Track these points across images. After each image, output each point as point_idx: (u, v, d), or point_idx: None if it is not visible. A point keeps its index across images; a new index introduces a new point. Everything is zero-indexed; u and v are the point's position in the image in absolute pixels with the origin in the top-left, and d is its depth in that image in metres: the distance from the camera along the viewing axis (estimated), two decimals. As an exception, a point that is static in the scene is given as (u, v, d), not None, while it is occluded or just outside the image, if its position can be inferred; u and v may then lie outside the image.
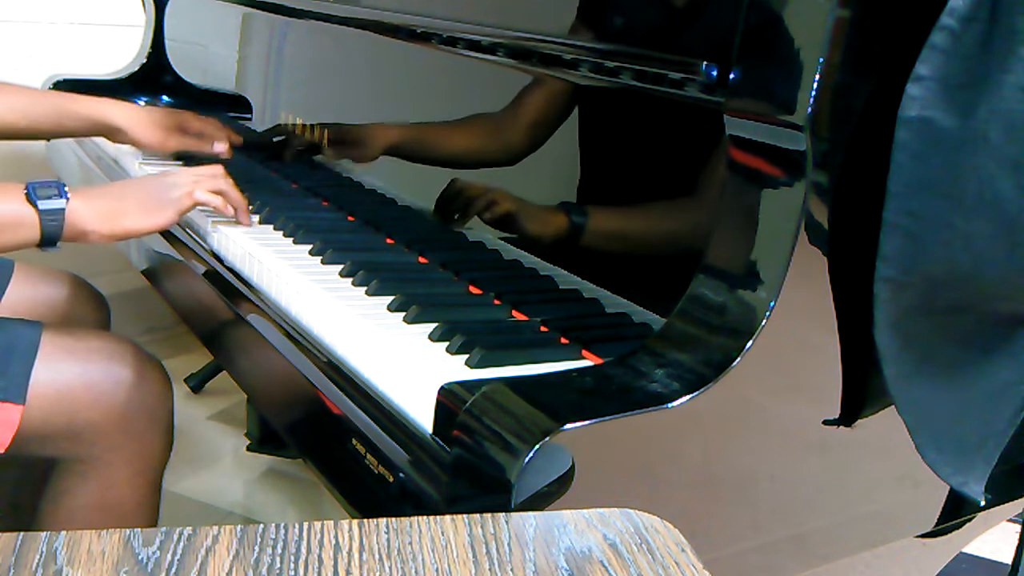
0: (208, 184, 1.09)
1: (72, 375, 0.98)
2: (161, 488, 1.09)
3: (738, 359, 0.67)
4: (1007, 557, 1.36)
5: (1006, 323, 0.79)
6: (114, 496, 1.03)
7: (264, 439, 1.79)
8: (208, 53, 1.77)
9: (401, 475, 0.70)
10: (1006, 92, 0.67)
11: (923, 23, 0.65)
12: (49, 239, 1.00)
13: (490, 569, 0.46)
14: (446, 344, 0.80)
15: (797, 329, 0.71)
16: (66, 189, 1.00)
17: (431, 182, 1.10)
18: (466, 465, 0.64)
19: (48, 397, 0.96)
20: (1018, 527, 1.16)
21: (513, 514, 0.52)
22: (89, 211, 1.01)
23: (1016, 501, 0.97)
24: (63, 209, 0.99)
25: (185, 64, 1.86)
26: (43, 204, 0.98)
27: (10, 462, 1.02)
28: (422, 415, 0.70)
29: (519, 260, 0.96)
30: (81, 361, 1.00)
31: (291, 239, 1.09)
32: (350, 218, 1.20)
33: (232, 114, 1.62)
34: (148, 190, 1.06)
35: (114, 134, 1.35)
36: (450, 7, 1.09)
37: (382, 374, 0.78)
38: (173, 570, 0.44)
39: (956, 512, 0.91)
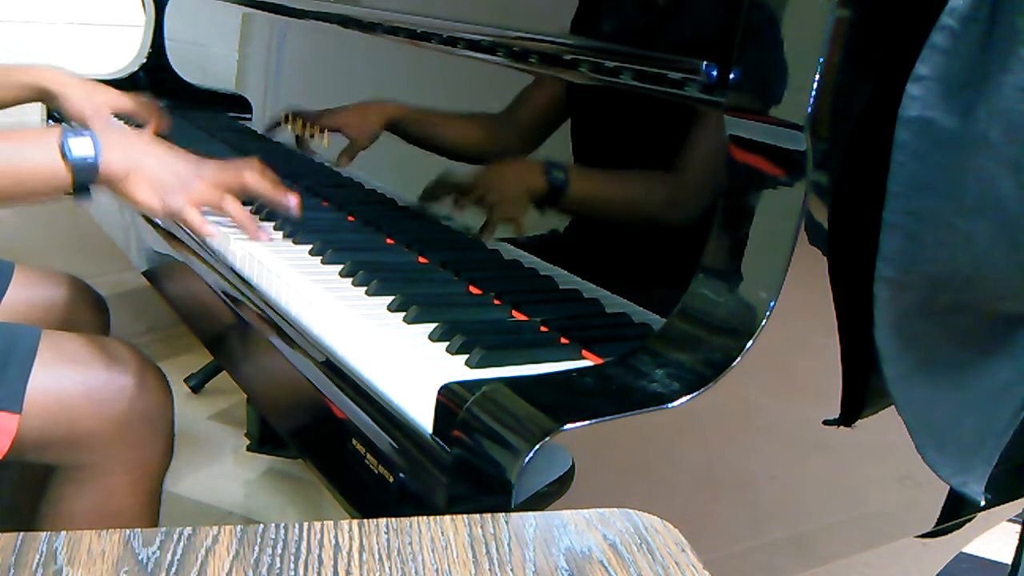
0: (210, 198, 1.05)
1: (71, 382, 0.98)
2: (161, 495, 1.08)
3: (738, 359, 0.67)
4: (1007, 557, 1.36)
5: (1006, 323, 0.79)
6: (113, 504, 1.03)
7: (264, 439, 1.79)
8: (208, 53, 1.77)
9: (401, 475, 0.70)
10: (1006, 92, 0.67)
11: (923, 23, 0.65)
12: (81, 190, 1.00)
13: (490, 569, 0.46)
14: (446, 344, 0.80)
15: (797, 329, 0.71)
16: (100, 142, 0.99)
17: (431, 182, 1.10)
18: (466, 465, 0.64)
19: (46, 405, 0.95)
20: (1018, 527, 1.16)
21: (513, 514, 0.52)
22: (118, 168, 1.00)
23: (1016, 501, 0.97)
24: (96, 164, 0.99)
25: (185, 64, 1.86)
26: (76, 159, 0.98)
27: (8, 466, 1.02)
28: (422, 415, 0.70)
29: (519, 260, 0.96)
30: (81, 368, 0.99)
31: (291, 239, 1.09)
32: (350, 218, 1.20)
33: (232, 114, 1.62)
34: (169, 174, 1.03)
35: (49, 99, 1.37)
36: (450, 7, 1.09)
37: (382, 374, 0.78)
38: (173, 570, 0.44)
39: (956, 512, 0.91)
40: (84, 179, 0.99)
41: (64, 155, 0.97)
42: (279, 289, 0.96)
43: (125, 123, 1.47)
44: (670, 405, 0.65)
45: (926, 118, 0.66)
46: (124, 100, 1.43)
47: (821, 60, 0.65)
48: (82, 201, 1.01)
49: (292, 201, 1.10)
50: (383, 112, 1.20)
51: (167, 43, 1.90)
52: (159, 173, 1.02)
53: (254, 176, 1.08)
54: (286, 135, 1.43)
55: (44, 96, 1.37)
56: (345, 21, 1.26)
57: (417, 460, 0.69)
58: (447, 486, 0.66)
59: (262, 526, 0.49)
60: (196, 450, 1.85)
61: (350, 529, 0.49)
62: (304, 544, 0.47)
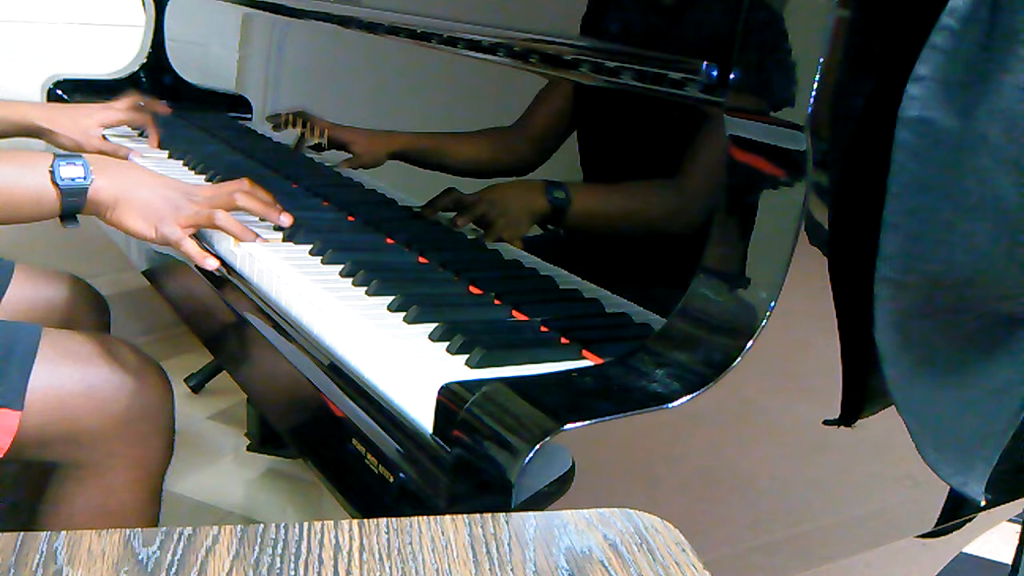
0: (202, 220, 1.04)
1: (72, 380, 0.98)
2: (162, 493, 1.08)
3: (738, 359, 0.67)
4: (1007, 557, 1.36)
5: (1006, 323, 0.79)
6: (114, 502, 1.03)
7: (264, 439, 1.79)
8: (208, 53, 1.77)
9: (401, 475, 0.70)
10: (1006, 92, 0.67)
11: (923, 23, 0.65)
12: (69, 216, 1.00)
13: (490, 569, 0.46)
14: (446, 344, 0.80)
15: (797, 329, 0.71)
16: (91, 168, 0.99)
17: (431, 182, 1.10)
18: (466, 465, 0.64)
19: (47, 402, 0.95)
20: (1018, 527, 1.16)
21: (513, 514, 0.52)
22: (107, 194, 1.01)
23: (1016, 501, 0.97)
24: (85, 189, 0.99)
25: (185, 64, 1.86)
26: (65, 184, 0.98)
27: (9, 464, 1.02)
28: (422, 415, 0.71)
29: (519, 260, 0.96)
30: (81, 366, 0.99)
31: (291, 239, 1.09)
32: (350, 218, 1.20)
33: (232, 114, 1.62)
34: (160, 199, 1.03)
35: (40, 135, 1.40)
36: (450, 7, 1.09)
37: (382, 374, 0.78)
38: (173, 570, 0.44)
39: (956, 512, 0.91)
40: (73, 205, 0.99)
41: (54, 180, 0.98)
42: (279, 289, 0.96)
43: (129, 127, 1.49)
44: (670, 405, 0.65)
45: (926, 118, 0.66)
46: (113, 114, 1.45)
47: (821, 60, 0.65)
48: (69, 226, 1.01)
49: (284, 220, 1.09)
50: (391, 142, 1.20)
51: (167, 43, 1.90)
52: (150, 200, 1.02)
53: (245, 197, 1.07)
54: (286, 135, 1.43)
55: (33, 131, 1.39)
56: (345, 21, 1.26)
57: (417, 460, 0.69)
58: (447, 486, 0.66)
59: (262, 526, 0.49)
60: (196, 450, 1.85)
61: (350, 529, 0.49)
62: (304, 544, 0.47)
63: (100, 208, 1.01)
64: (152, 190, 1.04)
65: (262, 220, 1.11)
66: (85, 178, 0.99)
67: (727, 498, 0.74)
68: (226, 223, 1.04)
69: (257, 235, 1.07)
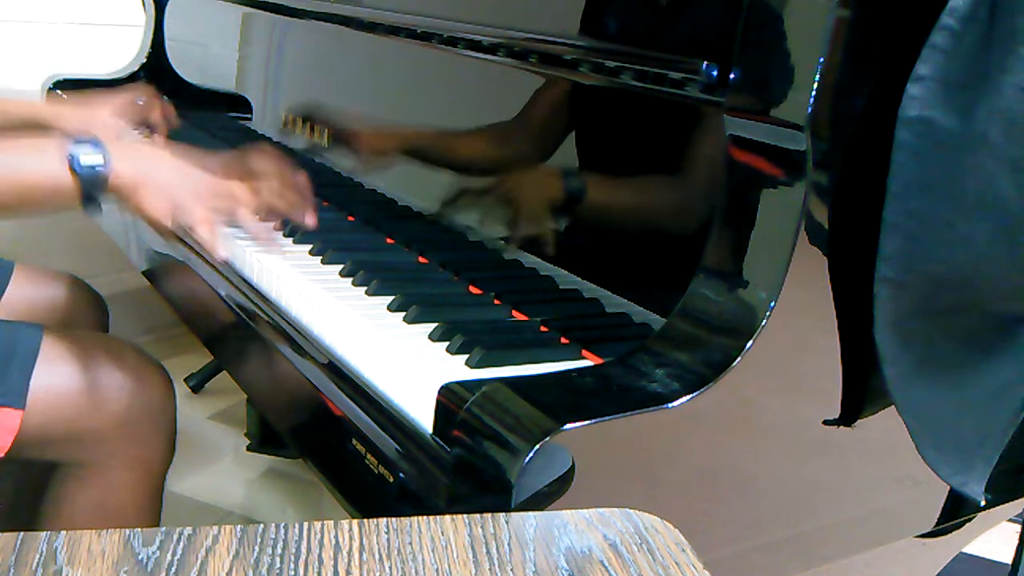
0: (223, 207, 1.02)
1: (73, 380, 0.98)
2: (163, 493, 1.08)
3: (738, 359, 0.67)
4: (1007, 557, 1.36)
5: (1006, 323, 0.79)
6: (115, 501, 1.03)
7: (264, 439, 1.79)
8: (208, 53, 1.77)
9: (401, 475, 0.70)
10: (1006, 92, 0.67)
11: (923, 23, 0.65)
12: (88, 201, 0.96)
13: (490, 569, 0.46)
14: (446, 344, 0.80)
15: (797, 329, 0.71)
16: (107, 152, 0.95)
17: (431, 182, 1.10)
18: (466, 465, 0.64)
19: (48, 402, 0.95)
20: (1018, 527, 1.16)
21: (513, 514, 0.52)
22: (127, 178, 0.97)
23: (1016, 501, 0.97)
24: (105, 174, 0.95)
25: (185, 64, 1.86)
26: (84, 170, 0.94)
27: (9, 463, 1.02)
28: (422, 415, 0.71)
29: (519, 260, 0.96)
30: (83, 365, 0.99)
31: (291, 239, 1.09)
32: (350, 218, 1.20)
33: (232, 114, 1.62)
34: (181, 181, 1.00)
35: (48, 131, 1.35)
36: (451, 7, 1.09)
37: (382, 374, 0.78)
38: (173, 570, 0.44)
39: (956, 512, 0.91)
40: (92, 190, 0.95)
41: (71, 166, 0.94)
42: (279, 289, 0.96)
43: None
44: (670, 405, 0.65)
45: (926, 118, 0.66)
46: (120, 104, 1.42)
47: (821, 60, 0.65)
48: (91, 212, 0.97)
49: (310, 220, 1.08)
50: (390, 142, 1.20)
51: (167, 43, 1.90)
52: (171, 182, 0.99)
53: (262, 157, 1.05)
54: (286, 135, 1.43)
55: (41, 128, 1.37)
56: (345, 21, 1.26)
57: (417, 460, 0.69)
58: (447, 486, 0.66)
59: (262, 526, 0.49)
60: (196, 450, 1.85)
61: (350, 529, 0.49)
62: (304, 544, 0.47)
63: (120, 191, 0.97)
64: (174, 172, 1.00)
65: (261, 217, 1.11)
66: (105, 163, 0.95)
67: (727, 498, 0.74)
68: (246, 222, 1.04)
69: (272, 238, 1.06)
